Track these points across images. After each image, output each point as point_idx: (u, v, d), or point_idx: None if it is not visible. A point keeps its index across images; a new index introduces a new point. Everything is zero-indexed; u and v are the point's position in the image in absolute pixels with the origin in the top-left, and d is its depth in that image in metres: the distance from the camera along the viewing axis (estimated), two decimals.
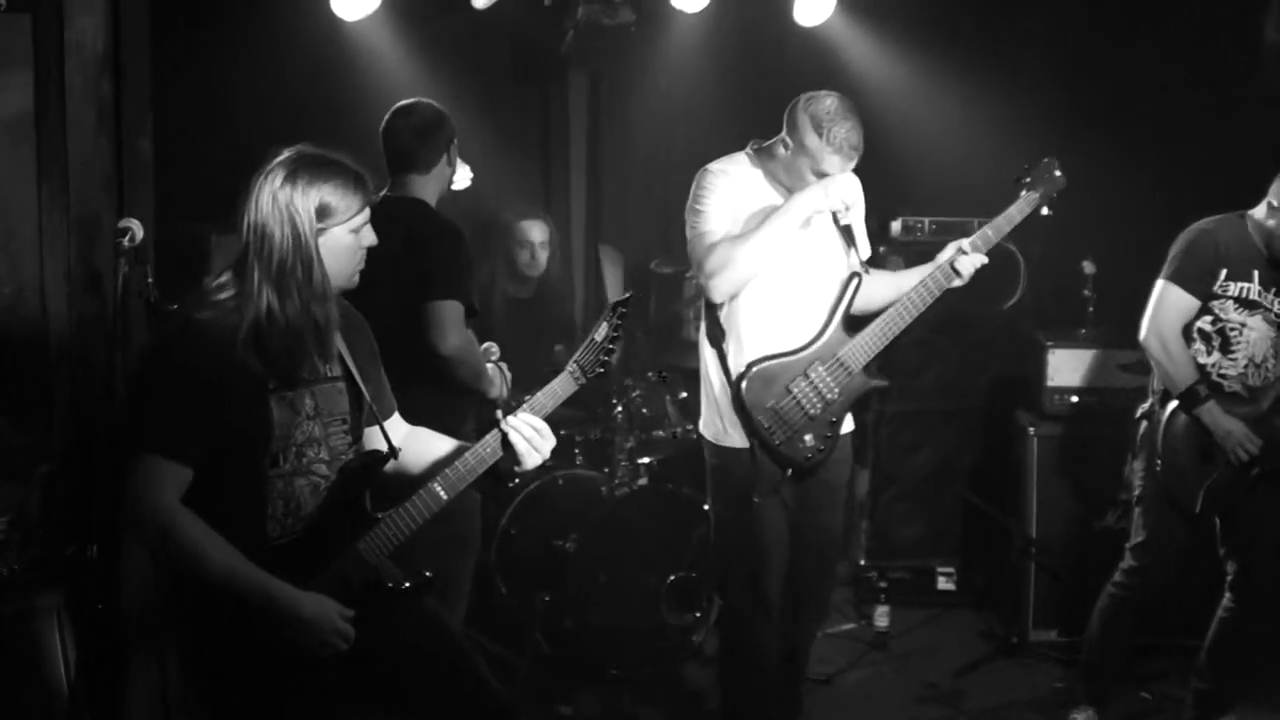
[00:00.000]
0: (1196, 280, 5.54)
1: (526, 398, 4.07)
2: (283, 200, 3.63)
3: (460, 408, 5.25)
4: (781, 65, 7.60)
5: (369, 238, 3.80)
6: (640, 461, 6.78)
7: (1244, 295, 5.57)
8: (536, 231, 7.20)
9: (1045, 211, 5.43)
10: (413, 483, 3.94)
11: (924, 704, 6.42)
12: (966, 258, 5.27)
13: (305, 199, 3.64)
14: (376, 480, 3.89)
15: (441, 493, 3.89)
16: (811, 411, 5.13)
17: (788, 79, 7.12)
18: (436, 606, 4.05)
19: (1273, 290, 5.57)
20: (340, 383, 3.88)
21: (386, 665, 3.85)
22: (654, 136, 7.93)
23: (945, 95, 7.66)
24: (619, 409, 6.77)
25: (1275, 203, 5.46)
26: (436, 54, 7.29)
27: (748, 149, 5.26)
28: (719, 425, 5.24)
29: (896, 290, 5.27)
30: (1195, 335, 5.59)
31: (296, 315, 3.63)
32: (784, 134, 5.11)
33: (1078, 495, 6.89)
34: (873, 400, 7.28)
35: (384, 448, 3.96)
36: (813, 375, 5.12)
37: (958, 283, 5.28)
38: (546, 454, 3.95)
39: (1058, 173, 5.44)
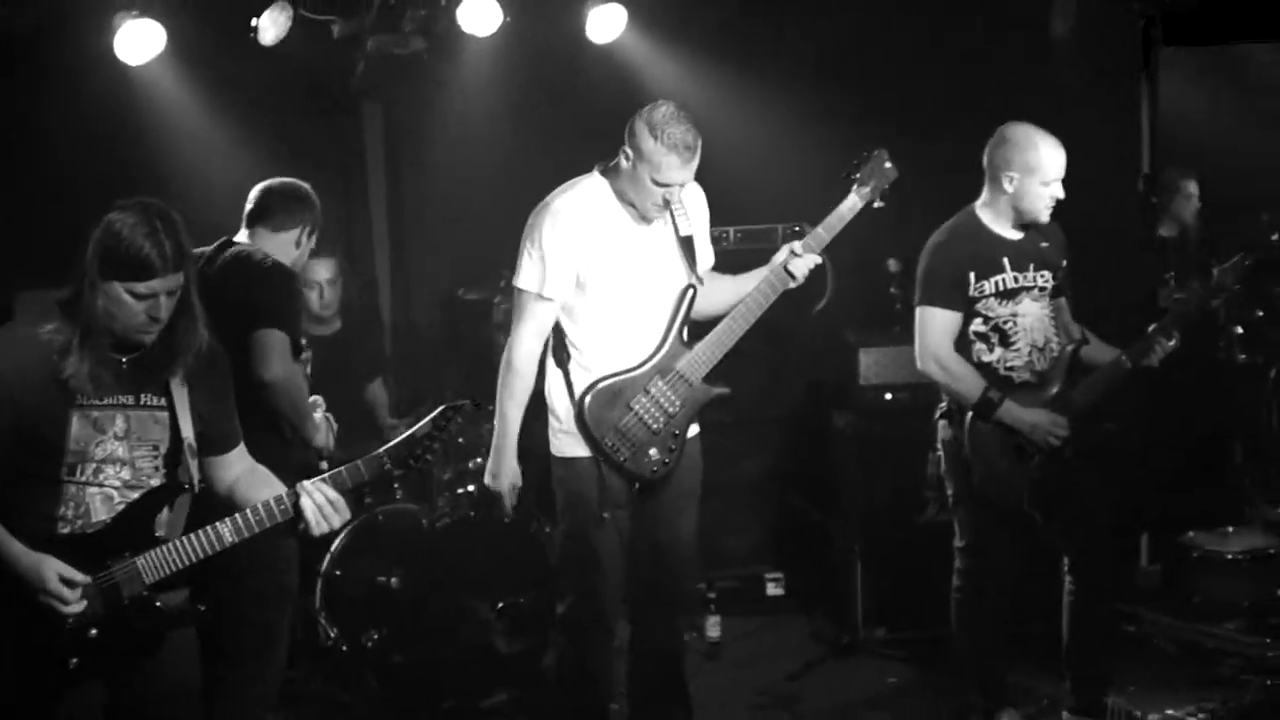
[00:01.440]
0: (949, 295, 5.58)
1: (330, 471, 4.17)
2: (91, 244, 3.90)
3: (286, 457, 5.17)
4: (580, 84, 7.66)
5: (160, 308, 3.94)
6: (460, 491, 6.72)
7: (1002, 288, 5.60)
8: (322, 270, 7.11)
9: (878, 205, 5.49)
10: None
11: (760, 710, 6.46)
12: (799, 260, 5.33)
13: (97, 248, 3.89)
14: (166, 506, 4.06)
15: (227, 534, 4.04)
16: (654, 426, 5.20)
17: (587, 98, 7.29)
18: (192, 653, 4.18)
19: (1029, 266, 5.62)
20: (161, 412, 4.04)
21: (125, 681, 4.01)
22: (454, 164, 7.89)
23: (742, 104, 7.71)
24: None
25: (1014, 175, 5.49)
26: (226, 93, 7.25)
27: (596, 169, 5.30)
28: (561, 440, 5.27)
29: (736, 293, 5.34)
30: (972, 337, 5.62)
31: (97, 349, 3.89)
32: (625, 147, 5.17)
33: (898, 491, 6.92)
34: None
35: (209, 477, 4.20)
36: (653, 390, 5.19)
37: (793, 285, 5.35)
38: (335, 525, 4.11)
39: (888, 165, 5.46)
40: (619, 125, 5.24)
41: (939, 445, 5.76)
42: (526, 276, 5.21)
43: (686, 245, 5.29)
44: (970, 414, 5.53)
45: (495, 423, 5.25)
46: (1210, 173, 8.00)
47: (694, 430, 5.41)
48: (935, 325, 5.60)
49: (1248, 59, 8.09)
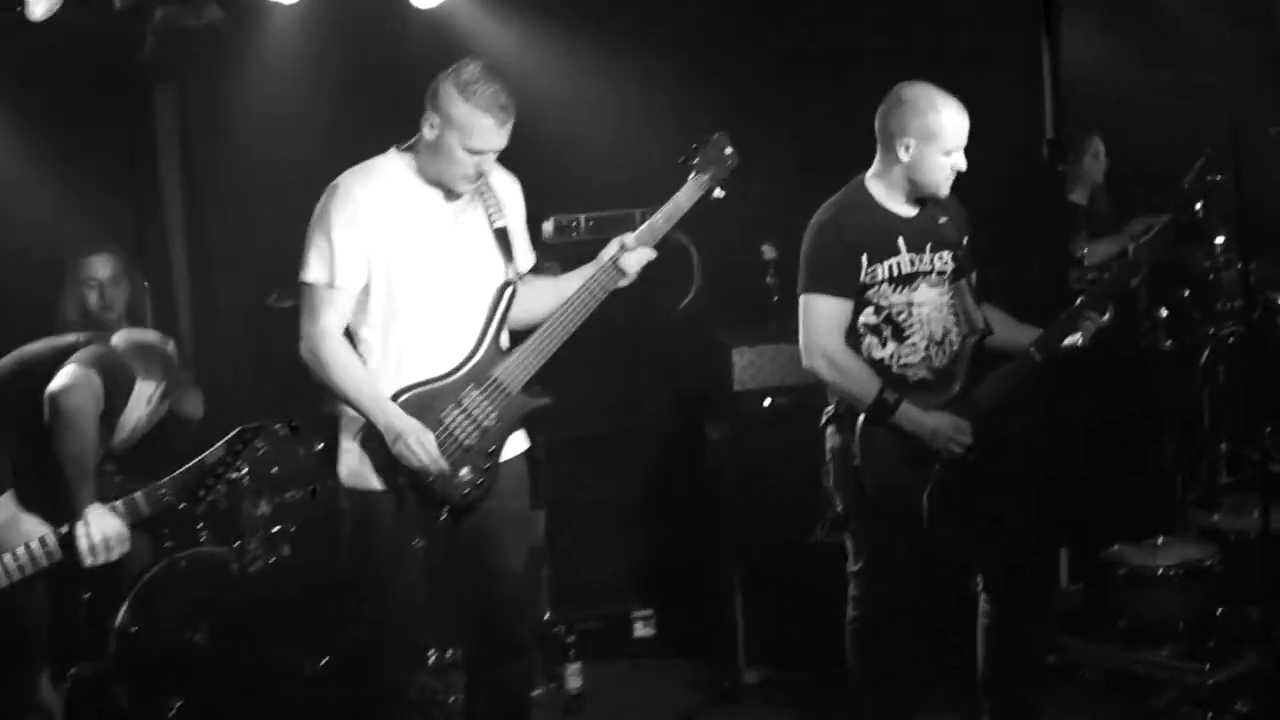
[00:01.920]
0: (838, 281, 5.59)
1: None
2: None
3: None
4: (403, 57, 7.57)
5: None
6: (275, 530, 6.72)
7: (896, 272, 5.63)
8: (102, 266, 7.07)
9: (718, 194, 5.50)
10: None
11: None
12: (631, 254, 5.33)
13: None
14: None
15: None
16: (467, 442, 5.17)
17: (411, 72, 7.05)
18: None
19: (927, 247, 5.65)
20: None
21: None
22: (261, 151, 7.73)
23: (592, 76, 7.74)
24: (244, 471, 6.53)
25: (911, 141, 5.53)
26: None
27: (392, 149, 5.25)
28: (359, 467, 5.19)
29: (560, 296, 5.32)
30: (862, 330, 5.64)
31: None
32: (427, 116, 5.12)
33: (782, 510, 6.93)
34: (540, 428, 7.19)
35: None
36: (466, 401, 5.16)
37: (624, 282, 5.35)
38: (108, 560, 4.30)
39: (729, 150, 5.49)
40: None
41: (827, 454, 5.77)
42: (314, 269, 5.13)
43: (502, 238, 5.29)
44: (862, 417, 5.54)
45: (347, 408, 5.21)
46: (1120, 133, 8.25)
47: (517, 446, 5.38)
48: (823, 316, 5.59)
49: (1150, 9, 8.31)
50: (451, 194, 5.18)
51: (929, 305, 5.66)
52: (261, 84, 7.76)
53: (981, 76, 7.00)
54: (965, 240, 5.76)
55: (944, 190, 5.62)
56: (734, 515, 7.09)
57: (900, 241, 5.62)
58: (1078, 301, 5.75)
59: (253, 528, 6.69)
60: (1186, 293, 7.86)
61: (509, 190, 5.39)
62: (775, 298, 7.13)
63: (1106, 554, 6.80)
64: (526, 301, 5.34)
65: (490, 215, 5.27)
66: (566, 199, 7.45)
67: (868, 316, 5.63)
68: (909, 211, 5.67)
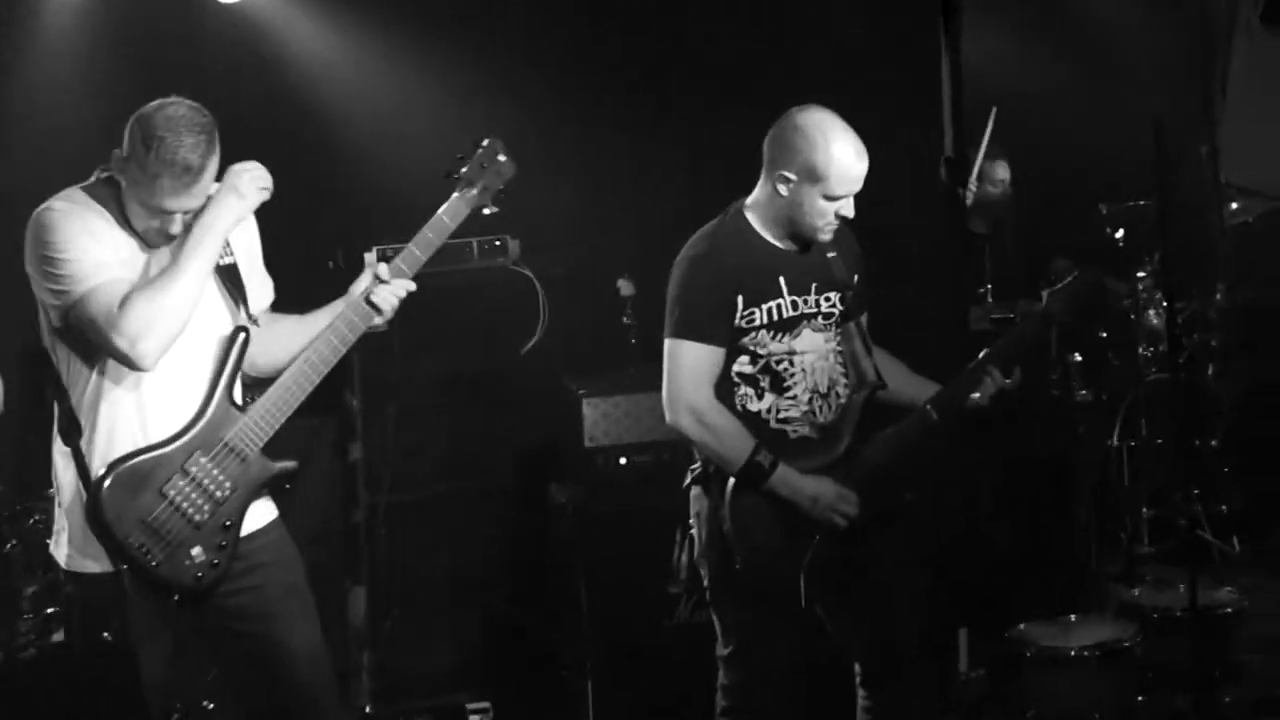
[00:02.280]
0: (710, 325, 5.49)
1: None
2: None
3: None
4: (201, 52, 7.54)
5: None
6: (50, 610, 6.56)
7: (777, 317, 5.53)
8: None
9: (489, 211, 5.34)
10: None
11: None
12: (385, 288, 5.17)
13: None
14: None
15: None
16: (197, 518, 4.99)
17: (205, 73, 7.23)
18: None
19: (812, 288, 5.55)
20: None
21: None
22: (34, 157, 7.50)
23: (415, 78, 7.73)
24: (11, 543, 6.59)
25: (792, 178, 5.42)
26: None
27: (97, 171, 5.09)
28: (71, 547, 5.06)
29: (308, 338, 5.19)
30: (736, 380, 5.55)
31: None
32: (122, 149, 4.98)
33: (640, 586, 6.85)
34: (359, 494, 7.34)
35: None
36: (194, 470, 4.98)
37: (379, 321, 5.20)
38: None
39: (502, 158, 5.31)
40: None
41: (691, 521, 5.67)
42: (89, 277, 4.96)
43: (229, 277, 5.13)
44: (732, 480, 5.43)
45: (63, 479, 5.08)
46: (1031, 153, 8.27)
47: (263, 516, 5.21)
48: (691, 365, 5.48)
49: (1066, 8, 8.62)
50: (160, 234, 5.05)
51: (813, 353, 5.58)
52: (36, 80, 7.71)
53: (870, 86, 6.92)
54: (856, 279, 5.69)
55: (823, 237, 5.54)
56: (585, 591, 7.00)
57: (781, 281, 5.52)
58: (981, 355, 5.69)
59: (20, 608, 6.56)
60: (1104, 334, 7.99)
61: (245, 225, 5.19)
62: (633, 340, 7.16)
63: (1011, 634, 6.68)
64: (268, 345, 5.18)
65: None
66: (400, 224, 7.24)
67: (743, 365, 5.53)
68: (790, 246, 5.58)
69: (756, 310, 5.48)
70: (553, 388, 7.28)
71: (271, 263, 5.37)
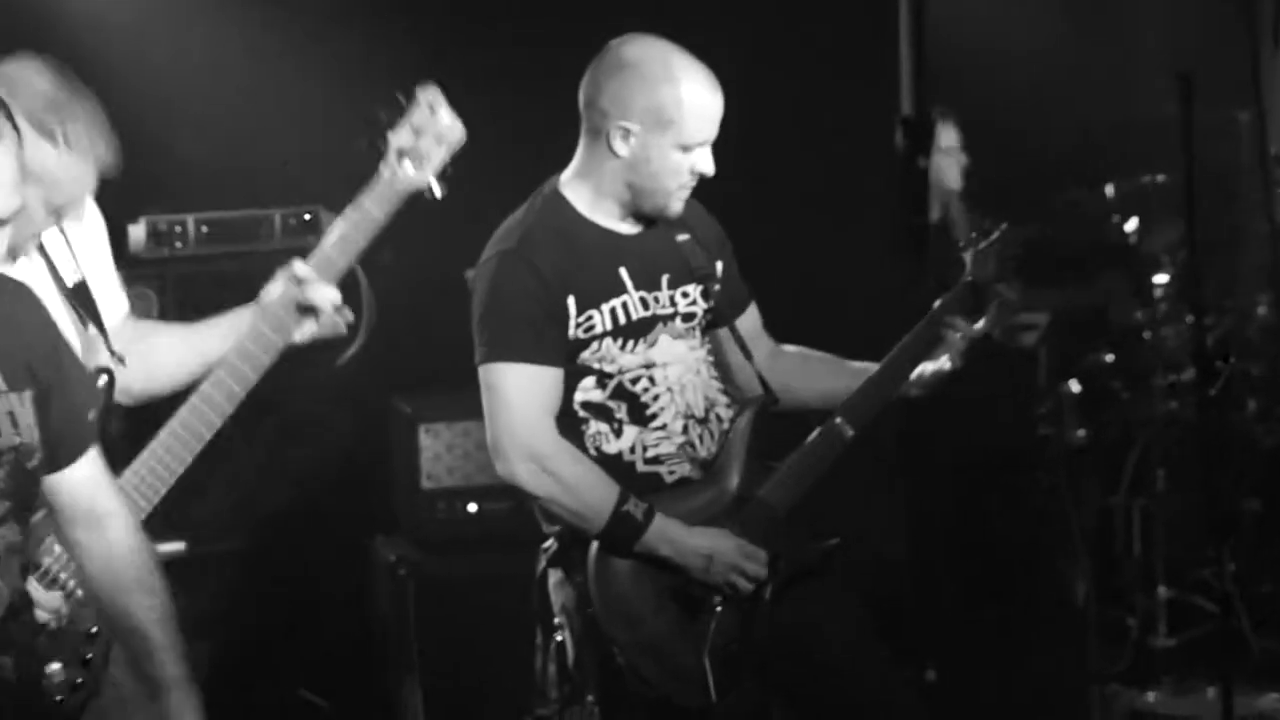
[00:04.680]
0: (536, 339, 5.38)
1: None
2: None
3: None
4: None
5: None
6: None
7: (624, 319, 5.42)
8: None
9: (437, 192, 5.12)
10: None
11: None
12: (314, 288, 4.99)
13: None
14: None
15: None
16: (51, 624, 4.73)
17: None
18: None
19: (663, 280, 5.46)
20: None
21: None
22: None
23: (230, 25, 7.70)
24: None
25: (633, 128, 5.33)
26: None
27: None
28: None
29: (203, 357, 5.03)
30: (581, 412, 5.41)
31: None
32: None
33: (492, 677, 6.78)
34: None
35: None
36: (46, 561, 4.75)
37: (299, 337, 5.02)
38: None
39: (444, 116, 5.11)
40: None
41: (558, 619, 5.52)
42: None
43: (80, 298, 4.93)
44: (595, 546, 5.28)
45: None
46: (996, 112, 8.23)
47: None
48: (518, 395, 5.35)
49: None
50: None
51: (678, 365, 5.46)
52: None
53: (808, 32, 7.29)
54: (721, 268, 5.63)
55: (675, 206, 5.44)
56: (418, 680, 7.01)
57: (623, 274, 5.42)
58: (935, 306, 5.65)
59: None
60: (1109, 358, 7.92)
61: (87, 220, 5.01)
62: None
63: None
64: (143, 365, 4.98)
65: (59, 271, 4.89)
66: (173, 191, 7.46)
67: (588, 392, 5.39)
68: (630, 229, 5.49)
69: (595, 313, 5.36)
70: (379, 409, 7.38)
71: None
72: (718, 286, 5.52)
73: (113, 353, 4.94)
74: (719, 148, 5.67)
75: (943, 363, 5.60)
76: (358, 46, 7.61)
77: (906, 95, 7.29)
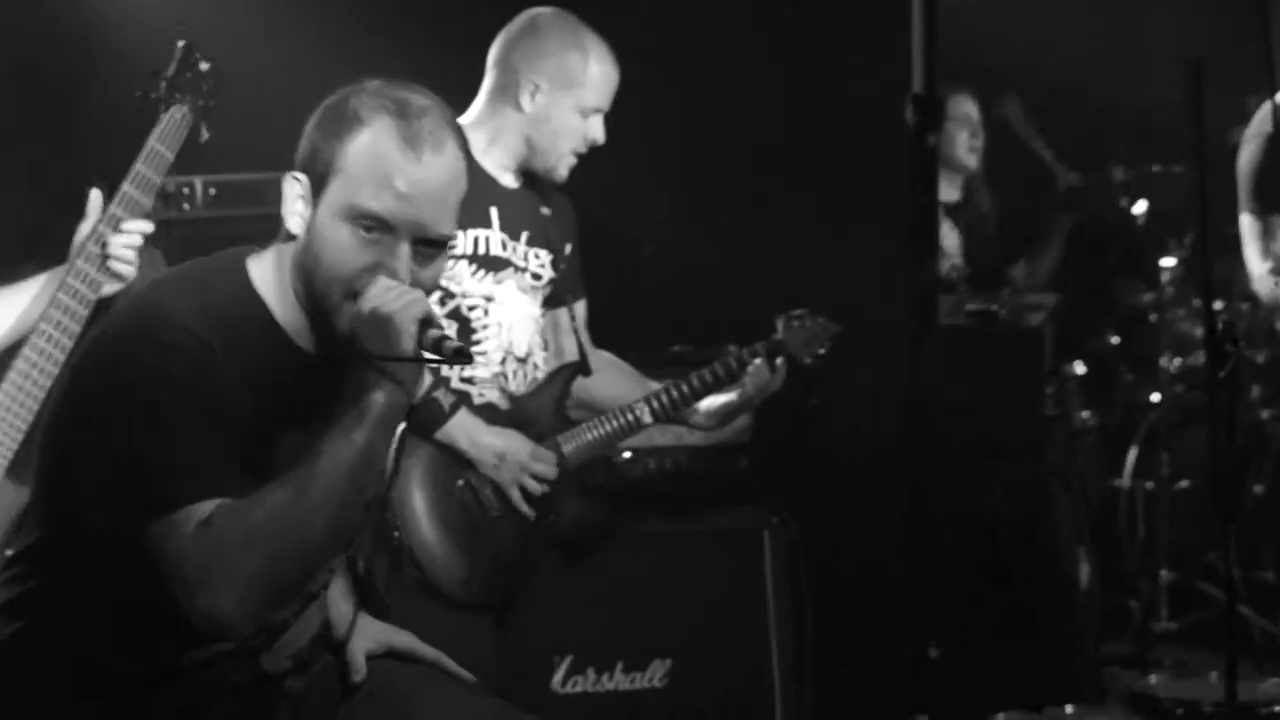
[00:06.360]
0: None
1: None
2: None
3: None
4: None
5: None
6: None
7: (484, 250, 5.65)
8: None
9: (205, 137, 5.33)
10: None
11: None
12: (120, 239, 5.08)
13: None
14: None
15: None
16: None
17: None
18: None
19: (523, 236, 5.71)
20: None
21: None
22: None
23: None
24: None
25: (537, 80, 5.59)
26: None
27: None
28: None
29: (14, 317, 5.09)
30: None
31: None
32: None
33: None
34: None
35: None
36: None
37: (110, 287, 5.12)
38: None
39: (204, 65, 5.34)
40: None
41: None
42: None
43: None
44: (402, 427, 5.37)
45: None
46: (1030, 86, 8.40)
47: None
48: None
49: None
50: None
51: (514, 310, 5.74)
52: None
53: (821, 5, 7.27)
54: (568, 250, 5.91)
55: (562, 170, 5.73)
56: None
57: (494, 213, 5.68)
58: (737, 351, 5.89)
59: None
60: (1115, 339, 8.03)
61: None
62: None
63: None
64: None
65: None
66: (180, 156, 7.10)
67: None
68: (509, 182, 5.75)
69: (461, 235, 5.54)
70: None
71: None
72: (562, 266, 5.80)
73: None
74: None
75: (731, 397, 5.85)
76: (365, 14, 7.50)
77: (918, 73, 7.24)
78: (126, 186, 5.08)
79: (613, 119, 6.07)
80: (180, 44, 5.33)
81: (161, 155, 5.16)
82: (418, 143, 3.88)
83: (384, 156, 3.87)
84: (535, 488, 5.55)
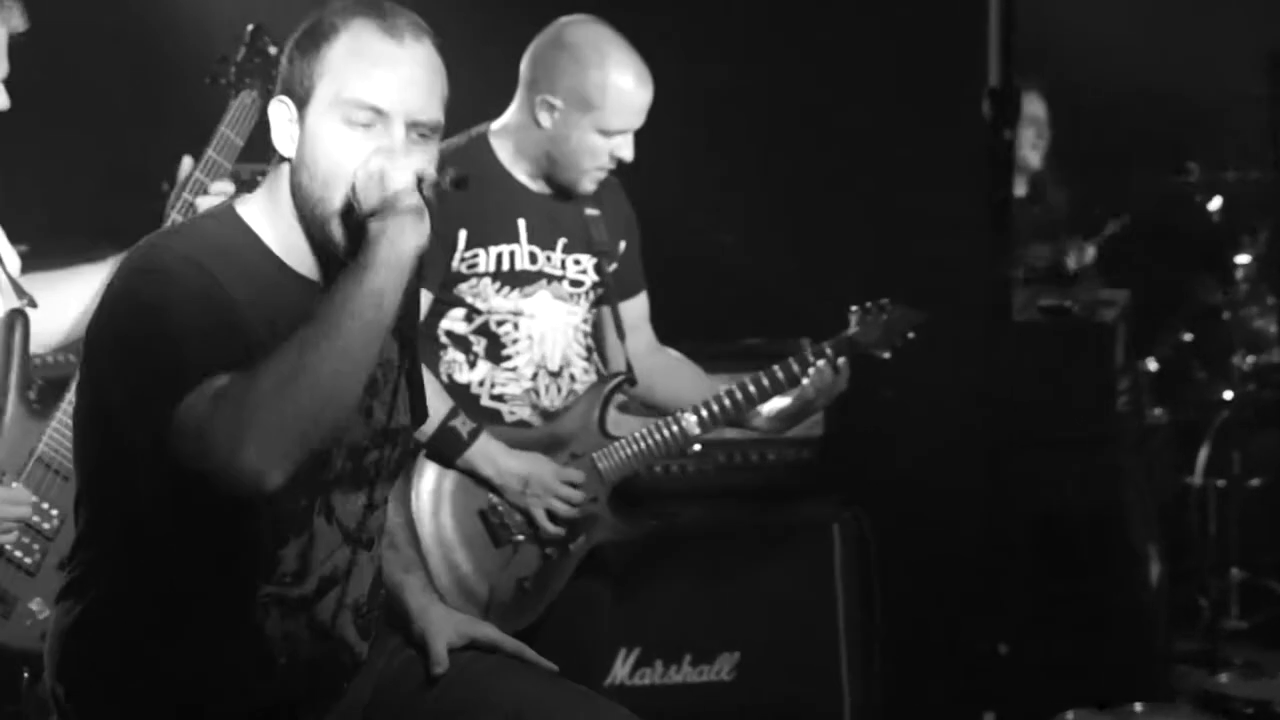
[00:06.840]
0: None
1: None
2: None
3: None
4: None
5: None
6: None
7: (508, 266, 5.55)
8: None
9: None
10: None
11: None
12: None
13: None
14: None
15: None
16: (27, 560, 4.86)
17: None
18: None
19: (559, 244, 5.60)
20: None
21: None
22: None
23: None
24: None
25: (558, 103, 5.45)
26: None
27: None
28: None
29: None
30: (443, 339, 5.58)
31: None
32: None
33: None
34: None
35: None
36: None
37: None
38: None
39: (273, 50, 5.16)
40: None
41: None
42: None
43: None
44: (422, 455, 5.50)
45: None
46: (1096, 98, 8.31)
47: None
48: None
49: None
50: None
51: (548, 322, 5.62)
52: None
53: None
54: (624, 248, 5.78)
55: (586, 185, 5.57)
56: None
57: (521, 225, 5.55)
58: (808, 347, 5.72)
59: None
60: (1188, 337, 7.97)
61: None
62: None
63: None
64: (53, 318, 4.90)
65: None
66: None
67: (454, 322, 5.56)
68: (541, 188, 5.61)
69: (482, 253, 5.48)
70: None
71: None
72: (614, 266, 5.68)
73: (17, 290, 4.91)
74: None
75: (787, 403, 5.70)
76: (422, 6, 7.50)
77: (994, 68, 7.25)
78: (197, 174, 5.10)
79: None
80: (249, 28, 5.30)
81: (232, 141, 5.14)
82: (397, 31, 3.89)
83: (366, 47, 3.90)
84: (563, 510, 5.48)
